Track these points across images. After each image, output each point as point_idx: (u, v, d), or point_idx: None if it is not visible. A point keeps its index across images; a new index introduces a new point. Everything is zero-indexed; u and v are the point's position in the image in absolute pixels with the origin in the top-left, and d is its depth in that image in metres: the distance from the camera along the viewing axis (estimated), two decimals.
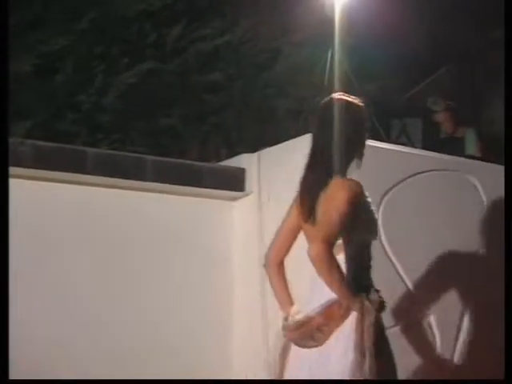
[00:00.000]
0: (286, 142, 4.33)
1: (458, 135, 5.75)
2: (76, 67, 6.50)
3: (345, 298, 2.72)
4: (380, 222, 4.05)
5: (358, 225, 2.78)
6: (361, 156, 2.90)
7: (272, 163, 4.42)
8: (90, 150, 4.17)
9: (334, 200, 2.70)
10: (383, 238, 4.08)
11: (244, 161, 4.57)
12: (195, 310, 4.34)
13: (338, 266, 2.68)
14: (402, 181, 4.22)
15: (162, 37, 6.94)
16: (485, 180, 4.59)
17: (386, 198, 4.14)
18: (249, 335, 4.40)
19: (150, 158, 4.30)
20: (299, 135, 4.22)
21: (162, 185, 4.27)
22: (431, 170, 4.37)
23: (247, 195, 4.51)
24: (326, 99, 2.92)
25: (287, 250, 3.04)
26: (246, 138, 6.04)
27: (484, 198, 4.58)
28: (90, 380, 3.90)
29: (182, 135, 6.76)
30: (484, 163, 4.81)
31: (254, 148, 4.62)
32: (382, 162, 4.15)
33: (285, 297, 3.01)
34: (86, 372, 3.91)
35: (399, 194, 4.20)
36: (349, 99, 2.90)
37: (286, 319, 2.90)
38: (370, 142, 4.17)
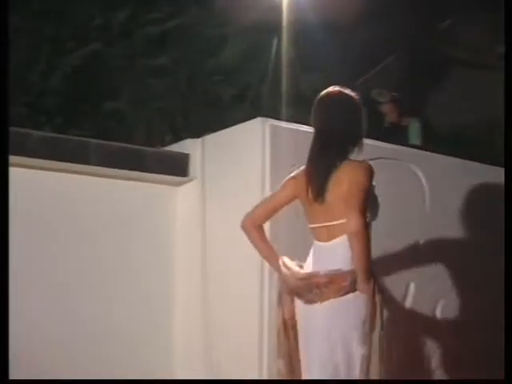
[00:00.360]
0: (231, 128, 4.33)
1: (402, 125, 5.83)
2: (21, 48, 6.39)
3: (367, 272, 3.04)
4: None
5: (368, 204, 3.12)
6: (361, 142, 3.21)
7: (216, 149, 4.42)
8: (34, 133, 4.12)
9: (357, 178, 3.06)
10: None
11: (188, 146, 4.55)
12: (137, 295, 4.34)
13: (370, 241, 3.05)
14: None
15: (109, 20, 6.86)
16: (427, 169, 4.65)
17: None
18: (189, 318, 4.42)
19: (93, 141, 4.26)
20: (244, 121, 4.24)
21: (105, 169, 4.23)
22: (375, 159, 4.40)
23: (191, 180, 4.49)
24: (328, 91, 3.22)
25: (267, 218, 3.33)
26: (190, 123, 6.02)
27: (426, 187, 4.64)
28: (90, 380, 3.92)
29: (127, 119, 6.71)
30: (427, 153, 4.85)
31: (198, 133, 4.60)
32: None
33: (270, 251, 3.29)
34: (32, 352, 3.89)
35: None
36: (348, 92, 3.22)
37: (285, 266, 3.19)
38: (311, 129, 4.22)
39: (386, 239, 4.38)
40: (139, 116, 6.66)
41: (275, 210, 3.31)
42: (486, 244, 4.76)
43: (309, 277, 3.11)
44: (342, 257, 3.07)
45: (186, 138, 4.67)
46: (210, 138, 4.50)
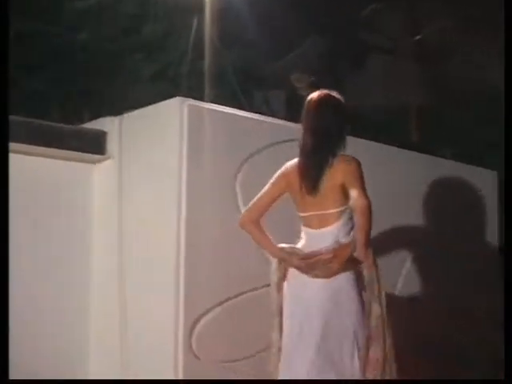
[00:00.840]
0: (149, 107, 4.33)
1: None
2: None
3: (368, 241, 3.34)
4: (238, 190, 4.17)
5: None
6: (346, 140, 3.55)
7: (134, 127, 4.42)
8: None
9: (351, 168, 3.40)
10: (240, 204, 4.16)
11: (106, 124, 4.53)
12: (54, 273, 4.32)
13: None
14: (262, 149, 4.32)
15: None
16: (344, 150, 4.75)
17: (245, 166, 4.22)
18: (105, 293, 4.43)
19: (11, 118, 4.20)
20: (162, 100, 4.25)
21: (23, 145, 4.19)
22: (292, 140, 4.48)
23: (108, 158, 4.48)
24: (320, 94, 3.57)
25: (263, 214, 3.57)
26: (109, 101, 5.97)
27: None
28: (90, 380, 3.95)
29: (45, 96, 6.60)
30: None
31: (117, 111, 4.58)
32: (243, 130, 4.25)
33: (269, 243, 3.54)
34: None
35: (259, 163, 4.29)
36: (335, 95, 3.57)
37: (285, 252, 3.49)
38: (231, 110, 4.27)
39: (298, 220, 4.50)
40: (57, 93, 6.56)
41: (269, 205, 3.58)
42: (399, 224, 4.98)
43: (312, 255, 3.40)
44: (333, 244, 3.38)
45: (103, 115, 4.65)
46: (128, 116, 4.48)
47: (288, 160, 4.42)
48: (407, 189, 5.18)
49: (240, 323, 4.15)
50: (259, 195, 3.60)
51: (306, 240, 3.53)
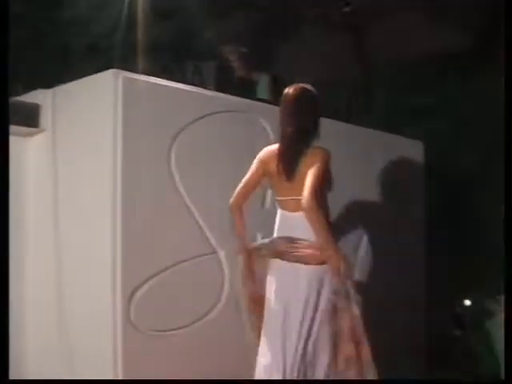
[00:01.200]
0: (83, 79, 4.31)
1: (252, 79, 5.96)
2: None
3: (329, 243, 3.64)
4: (173, 161, 4.23)
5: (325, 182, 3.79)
6: (319, 131, 3.90)
7: (68, 100, 4.40)
8: None
9: (316, 160, 3.70)
10: (176, 176, 4.24)
11: (39, 97, 4.50)
12: None
13: (324, 215, 3.67)
14: (195, 121, 4.36)
15: None
16: (274, 122, 4.83)
17: (179, 137, 4.27)
18: (42, 267, 4.43)
19: None
20: (96, 72, 4.24)
21: None
22: (224, 111, 4.55)
23: (42, 131, 4.46)
24: (296, 88, 3.89)
25: (248, 197, 3.95)
26: (42, 73, 5.91)
27: (272, 140, 4.81)
28: (89, 380, 3.89)
29: None
30: (274, 107, 5.02)
31: (51, 84, 4.55)
32: (176, 101, 4.29)
33: (243, 230, 3.92)
34: None
35: (192, 134, 4.35)
36: (311, 88, 3.93)
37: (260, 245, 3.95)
38: (163, 82, 4.30)
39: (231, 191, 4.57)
40: None
41: (251, 191, 3.96)
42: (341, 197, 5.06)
43: (288, 241, 3.79)
44: (308, 227, 3.65)
45: (36, 88, 4.62)
46: (61, 88, 4.46)
47: (221, 130, 4.54)
48: (338, 160, 5.30)
49: (176, 294, 4.23)
50: (242, 182, 3.92)
51: (281, 221, 3.88)
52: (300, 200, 3.62)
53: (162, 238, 4.17)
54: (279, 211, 3.90)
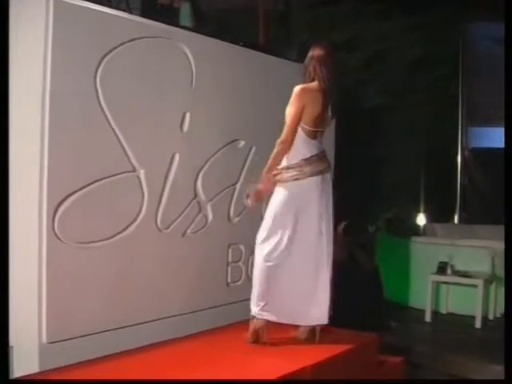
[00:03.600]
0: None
1: (174, 6, 6.05)
2: None
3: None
4: (98, 81, 4.34)
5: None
6: None
7: None
8: None
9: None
10: (101, 96, 4.34)
11: None
12: None
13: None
14: (120, 45, 4.44)
15: None
16: (194, 47, 5.01)
17: (105, 60, 4.34)
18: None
19: None
20: None
21: None
22: (148, 37, 4.65)
23: None
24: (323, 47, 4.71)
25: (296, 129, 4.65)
26: None
27: (193, 66, 5.01)
28: (89, 380, 3.92)
29: None
30: (195, 34, 5.19)
31: None
32: (103, 25, 4.36)
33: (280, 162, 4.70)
34: None
35: (119, 57, 4.43)
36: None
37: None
38: (90, 5, 4.34)
39: (156, 112, 4.76)
40: None
41: (299, 120, 4.62)
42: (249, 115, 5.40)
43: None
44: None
45: None
46: None
47: (146, 54, 4.62)
48: (250, 88, 5.56)
49: (99, 208, 4.40)
50: (290, 119, 4.59)
51: (306, 147, 4.64)
52: (324, 131, 4.76)
53: (86, 156, 4.28)
54: (305, 139, 4.65)
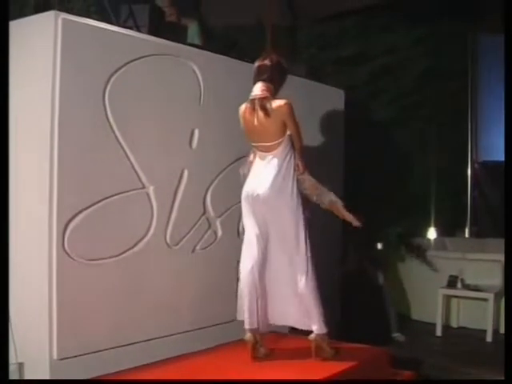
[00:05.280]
0: (22, 19, 4.29)
1: (183, 25, 6.10)
2: None
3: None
4: (107, 100, 4.37)
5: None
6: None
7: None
8: None
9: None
10: (110, 114, 4.36)
11: None
12: None
13: None
14: (128, 63, 4.47)
15: None
16: (203, 66, 5.05)
17: (113, 78, 4.37)
18: None
19: None
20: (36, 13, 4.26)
21: None
22: (156, 55, 4.69)
23: None
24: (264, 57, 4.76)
25: None
26: None
27: (201, 83, 5.05)
28: (89, 380, 3.96)
29: None
30: (203, 51, 5.23)
31: None
32: (111, 44, 4.38)
33: None
34: None
35: (127, 74, 4.46)
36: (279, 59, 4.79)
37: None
38: (98, 24, 4.37)
39: (165, 129, 4.79)
40: None
41: None
42: None
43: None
44: None
45: None
46: None
47: (154, 72, 4.65)
48: None
49: (108, 225, 4.41)
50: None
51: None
52: None
53: (94, 173, 4.30)
54: None
